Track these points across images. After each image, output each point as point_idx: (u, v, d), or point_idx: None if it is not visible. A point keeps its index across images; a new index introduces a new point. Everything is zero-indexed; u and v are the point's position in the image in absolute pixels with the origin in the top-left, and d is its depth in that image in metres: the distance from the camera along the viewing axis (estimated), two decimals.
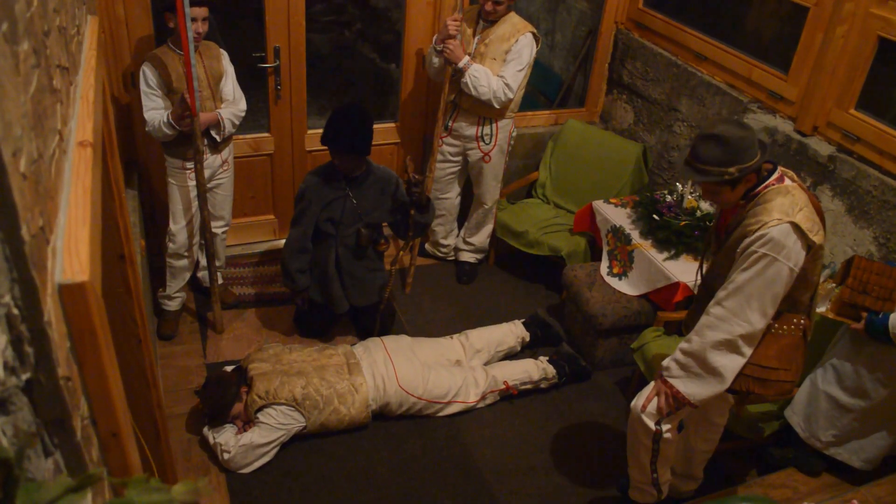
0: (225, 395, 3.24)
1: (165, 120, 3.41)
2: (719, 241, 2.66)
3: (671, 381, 2.61)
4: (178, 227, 3.71)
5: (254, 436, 3.18)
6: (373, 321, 3.96)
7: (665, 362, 2.65)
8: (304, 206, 3.65)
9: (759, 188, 2.46)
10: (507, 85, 3.93)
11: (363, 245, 3.73)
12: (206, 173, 3.65)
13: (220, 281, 4.12)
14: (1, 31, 0.80)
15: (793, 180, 2.49)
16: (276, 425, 3.21)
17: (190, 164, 3.61)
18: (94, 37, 1.84)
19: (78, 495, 0.69)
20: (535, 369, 3.71)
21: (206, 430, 3.28)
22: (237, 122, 3.68)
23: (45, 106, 1.04)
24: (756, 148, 2.41)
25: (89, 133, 1.30)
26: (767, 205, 2.41)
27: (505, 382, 3.63)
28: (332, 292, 3.78)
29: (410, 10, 4.26)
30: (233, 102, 3.66)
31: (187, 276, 3.87)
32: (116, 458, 1.12)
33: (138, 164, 4.01)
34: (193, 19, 3.31)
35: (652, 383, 2.72)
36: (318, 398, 3.28)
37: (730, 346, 2.48)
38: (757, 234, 2.38)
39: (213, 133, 3.59)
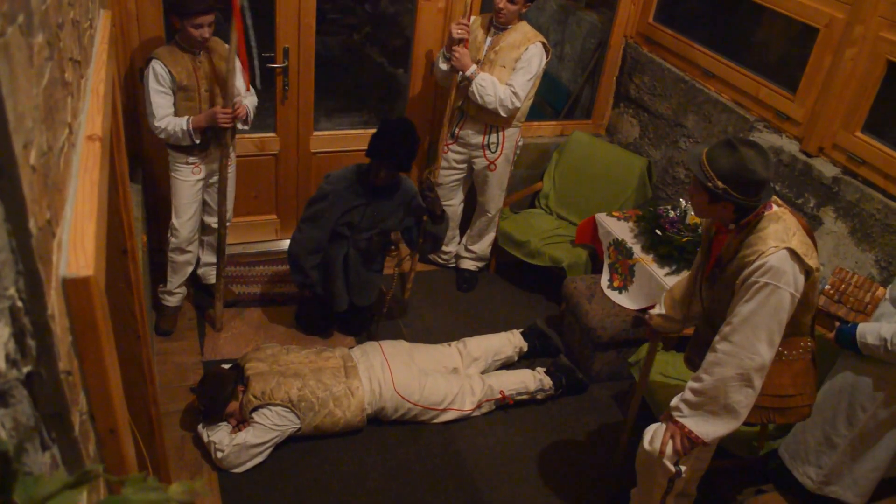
0: (221, 393, 3.23)
1: (185, 128, 3.44)
2: (713, 274, 2.64)
3: (682, 420, 2.54)
4: (180, 221, 3.71)
5: (248, 436, 3.18)
6: (367, 322, 3.98)
7: (674, 402, 2.59)
8: (325, 207, 3.64)
9: (750, 217, 2.44)
10: (514, 93, 3.93)
11: (375, 252, 3.76)
12: (206, 168, 3.67)
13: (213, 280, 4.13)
14: (17, 23, 0.79)
15: (778, 205, 2.49)
16: (270, 426, 3.20)
17: (193, 159, 3.61)
18: (106, 31, 1.85)
19: (75, 491, 0.69)
20: (531, 380, 3.70)
21: (200, 427, 3.27)
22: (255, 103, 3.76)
23: (57, 99, 1.04)
24: (759, 193, 2.38)
25: (98, 127, 1.30)
26: (761, 233, 2.39)
27: (501, 392, 3.62)
28: (335, 290, 3.80)
29: (421, 16, 4.27)
30: (246, 95, 3.68)
31: (188, 271, 3.87)
32: (113, 455, 1.11)
33: (142, 158, 4.01)
34: (199, 25, 3.32)
35: (662, 425, 2.65)
36: (313, 400, 3.27)
37: (742, 381, 2.43)
38: (755, 264, 2.35)
39: (240, 125, 3.64)
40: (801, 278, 2.37)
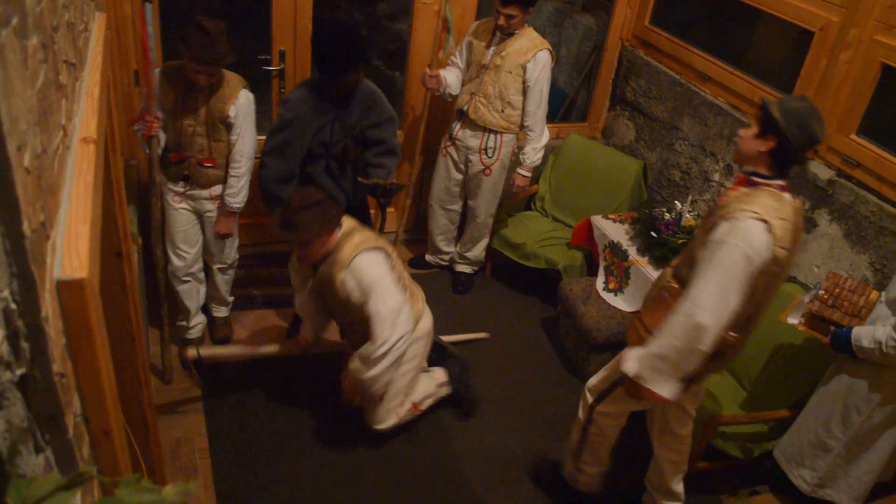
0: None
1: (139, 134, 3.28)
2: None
3: (624, 353, 2.61)
4: (169, 247, 3.62)
5: (379, 301, 2.95)
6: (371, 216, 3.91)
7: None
8: (289, 136, 3.39)
9: (760, 181, 2.42)
10: (543, 107, 4.08)
11: (350, 159, 3.60)
12: (191, 203, 3.54)
13: (225, 314, 4.00)
14: (11, 26, 0.80)
15: (794, 197, 2.46)
16: (381, 265, 3.02)
17: (174, 186, 3.49)
18: (101, 33, 1.85)
19: (68, 493, 0.69)
20: (430, 383, 3.57)
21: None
22: (245, 182, 3.53)
23: (51, 101, 1.04)
24: (805, 147, 2.37)
25: (93, 130, 1.30)
26: (753, 196, 2.37)
27: (413, 403, 3.49)
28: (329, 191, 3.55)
29: (417, 20, 4.28)
30: (237, 173, 3.47)
31: (196, 298, 3.77)
32: (107, 457, 1.11)
33: (138, 162, 4.01)
34: (198, 71, 3.17)
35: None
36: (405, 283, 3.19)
37: (685, 332, 2.38)
38: (729, 218, 2.34)
39: (231, 203, 3.53)
40: (764, 254, 2.34)
